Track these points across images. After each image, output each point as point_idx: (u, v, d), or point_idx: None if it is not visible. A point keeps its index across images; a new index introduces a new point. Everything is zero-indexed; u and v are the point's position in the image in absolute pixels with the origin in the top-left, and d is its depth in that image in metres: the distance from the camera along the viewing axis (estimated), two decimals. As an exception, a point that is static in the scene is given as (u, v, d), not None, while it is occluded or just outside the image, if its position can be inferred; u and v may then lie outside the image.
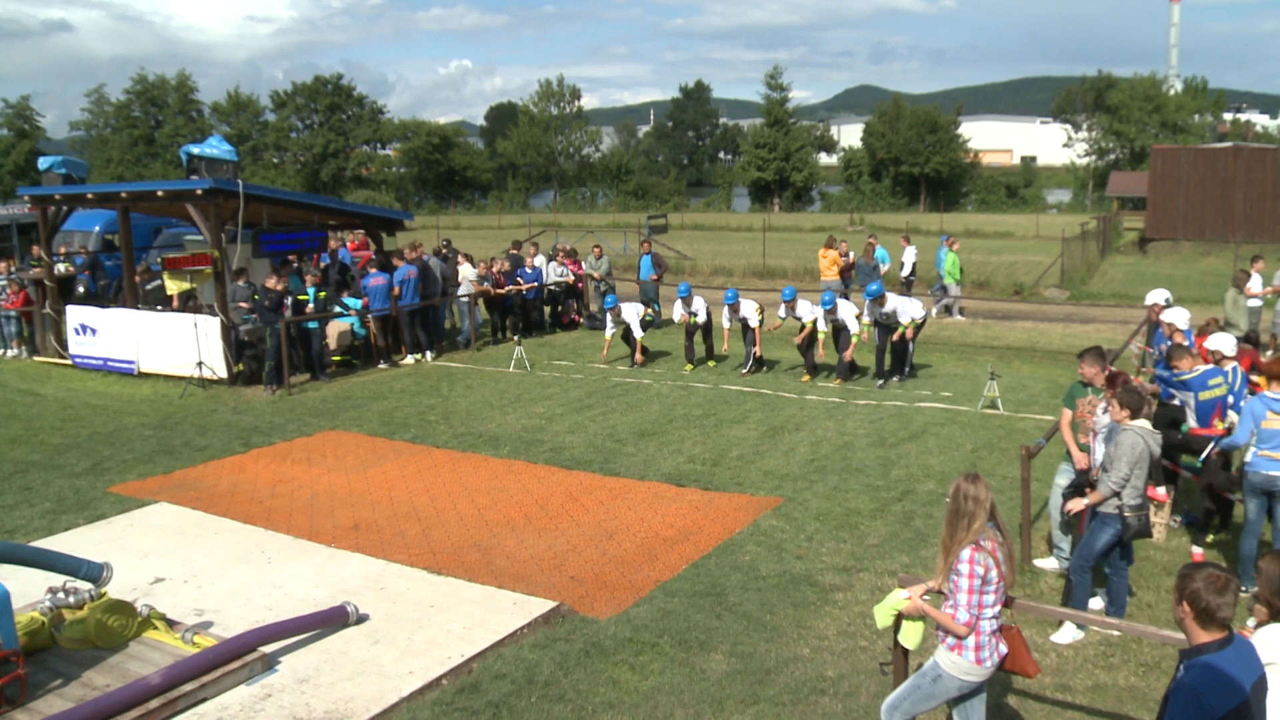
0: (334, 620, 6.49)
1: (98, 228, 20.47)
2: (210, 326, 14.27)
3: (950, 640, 4.42)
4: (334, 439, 11.43)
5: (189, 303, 15.98)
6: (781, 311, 14.21)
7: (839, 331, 13.96)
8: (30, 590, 6.60)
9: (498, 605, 6.83)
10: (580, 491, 9.31)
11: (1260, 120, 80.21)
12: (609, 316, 15.49)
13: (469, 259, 18.91)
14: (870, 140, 71.53)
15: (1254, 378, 8.05)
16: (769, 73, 74.51)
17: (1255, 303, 14.71)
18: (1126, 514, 6.16)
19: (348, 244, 19.65)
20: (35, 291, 16.96)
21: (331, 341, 15.57)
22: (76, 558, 6.29)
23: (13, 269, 17.69)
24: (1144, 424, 6.22)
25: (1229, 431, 7.67)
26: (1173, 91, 68.44)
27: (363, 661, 6.11)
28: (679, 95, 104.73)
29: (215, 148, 14.80)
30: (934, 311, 19.95)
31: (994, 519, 4.42)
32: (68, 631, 5.96)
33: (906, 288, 20.28)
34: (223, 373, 14.28)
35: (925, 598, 4.66)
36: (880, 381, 13.73)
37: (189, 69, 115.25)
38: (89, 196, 16.87)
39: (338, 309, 15.74)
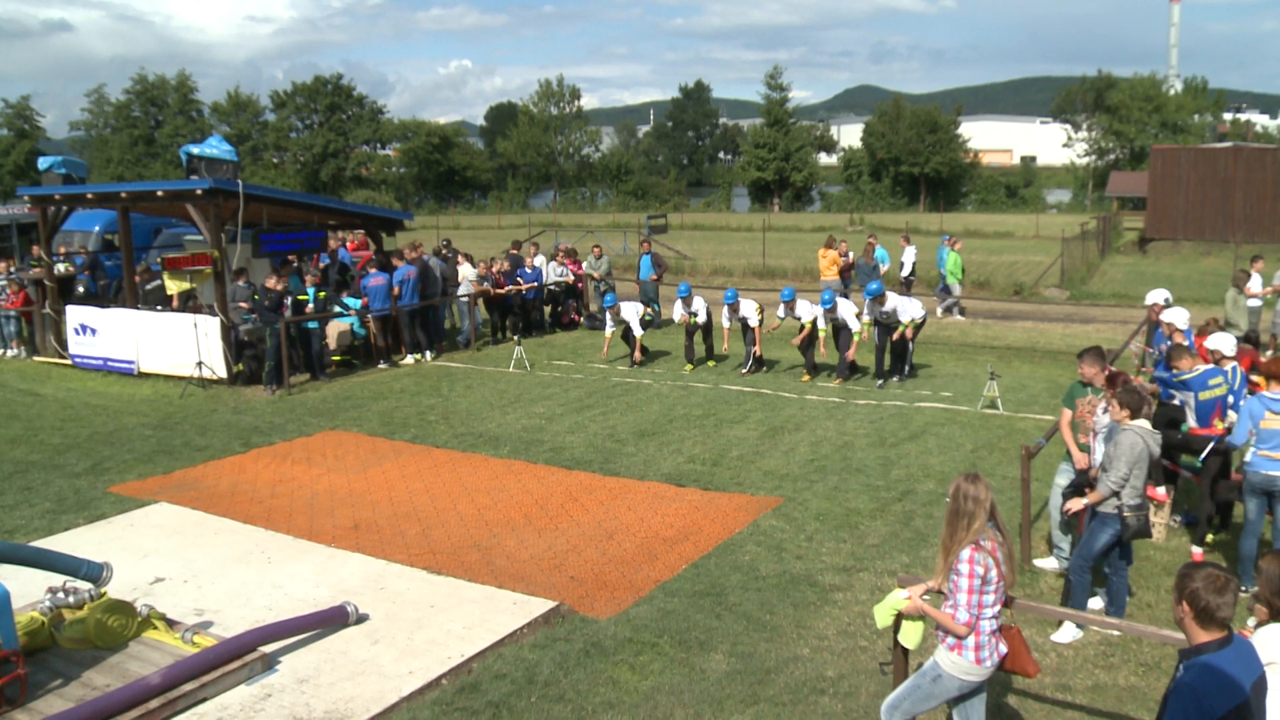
0: (334, 620, 6.49)
1: (98, 228, 20.47)
2: (210, 326, 14.27)
3: (950, 640, 4.43)
4: (334, 439, 11.43)
5: (189, 303, 15.98)
6: (780, 312, 14.21)
7: (839, 331, 13.96)
8: (30, 590, 6.60)
9: (498, 605, 6.83)
10: (580, 491, 9.31)
11: (1260, 120, 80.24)
12: (608, 315, 15.50)
13: (469, 259, 18.91)
14: (870, 140, 71.54)
15: (1254, 377, 8.05)
16: (769, 73, 74.64)
17: (1255, 303, 14.71)
18: (1126, 514, 6.16)
19: (347, 244, 19.65)
20: (35, 291, 16.97)
21: (331, 341, 15.57)
22: (76, 558, 6.29)
23: (13, 269, 17.69)
24: (1143, 424, 6.22)
25: (1229, 431, 7.68)
26: (1173, 91, 68.45)
27: (363, 661, 6.11)
28: (679, 95, 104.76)
29: (215, 148, 14.80)
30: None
31: (994, 519, 4.42)
32: (68, 631, 5.96)
33: (906, 288, 20.29)
34: (223, 373, 14.28)
35: (925, 598, 4.67)
36: (880, 381, 13.73)
37: (189, 69, 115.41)
38: (89, 196, 16.87)
39: (338, 309, 15.74)
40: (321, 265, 17.01)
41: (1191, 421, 8.00)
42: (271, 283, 14.26)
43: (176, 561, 7.76)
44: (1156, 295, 11.15)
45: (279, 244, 15.34)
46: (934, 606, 4.57)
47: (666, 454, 10.51)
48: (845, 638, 6.38)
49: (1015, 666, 4.58)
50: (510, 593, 7.02)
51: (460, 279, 18.00)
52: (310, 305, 14.63)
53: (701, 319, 15.04)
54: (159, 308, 15.89)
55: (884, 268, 20.18)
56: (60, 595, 6.06)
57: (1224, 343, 8.38)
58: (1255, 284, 14.66)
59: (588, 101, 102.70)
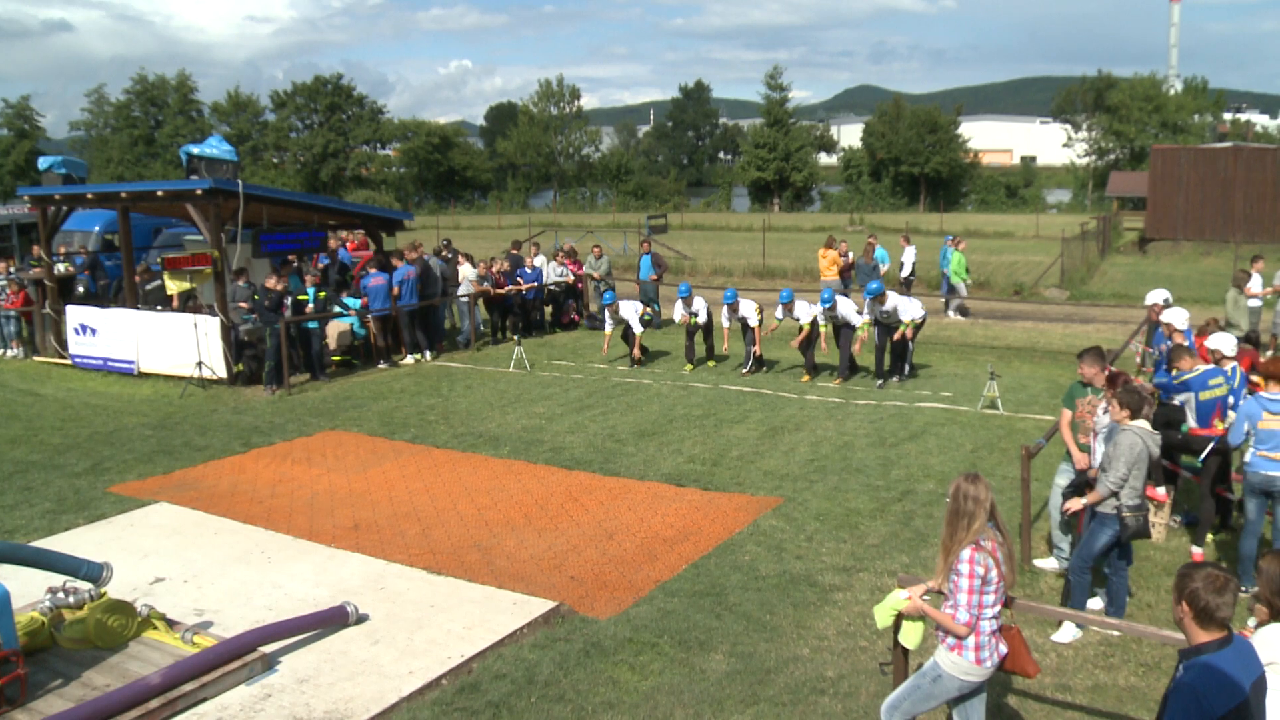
0: (334, 620, 6.49)
1: (98, 228, 20.47)
2: (210, 326, 14.27)
3: (950, 640, 4.42)
4: (334, 439, 11.43)
5: (189, 303, 15.98)
6: (779, 313, 14.21)
7: (840, 329, 13.96)
8: (30, 590, 6.61)
9: (498, 605, 6.83)
10: (580, 491, 9.31)
11: (1260, 120, 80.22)
12: (607, 313, 15.51)
13: (469, 259, 18.91)
14: (870, 140, 71.54)
15: (1253, 378, 8.05)
16: (769, 73, 74.60)
17: (1255, 303, 14.71)
18: (1125, 514, 6.16)
19: (347, 244, 19.65)
20: (35, 291, 16.97)
21: (331, 341, 15.57)
22: (76, 558, 6.29)
23: (13, 269, 17.69)
24: (1143, 424, 6.23)
25: (1229, 431, 7.68)
26: (1173, 91, 68.44)
27: (363, 661, 6.11)
28: (679, 95, 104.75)
29: (215, 148, 14.80)
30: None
31: (994, 519, 4.42)
32: (68, 631, 5.96)
33: (906, 288, 20.29)
34: (223, 373, 14.28)
35: (925, 598, 4.66)
36: (880, 381, 13.73)
37: (189, 69, 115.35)
38: (89, 196, 16.87)
39: (337, 309, 15.74)
40: (321, 265, 17.02)
41: (1191, 422, 8.00)
42: (271, 283, 14.26)
43: (176, 561, 7.76)
44: (1156, 295, 11.15)
45: (279, 244, 15.34)
46: (934, 607, 4.57)
47: (666, 454, 10.52)
48: (845, 638, 6.38)
49: (1015, 667, 4.58)
50: (510, 593, 7.02)
51: (460, 279, 18.00)
52: (310, 305, 14.63)
53: (702, 319, 15.05)
54: (159, 308, 15.90)
55: (884, 268, 20.18)
56: (60, 595, 6.06)
57: (1224, 343, 8.38)
58: (1255, 284, 14.65)
59: (588, 101, 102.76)
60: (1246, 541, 7.18)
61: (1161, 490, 7.88)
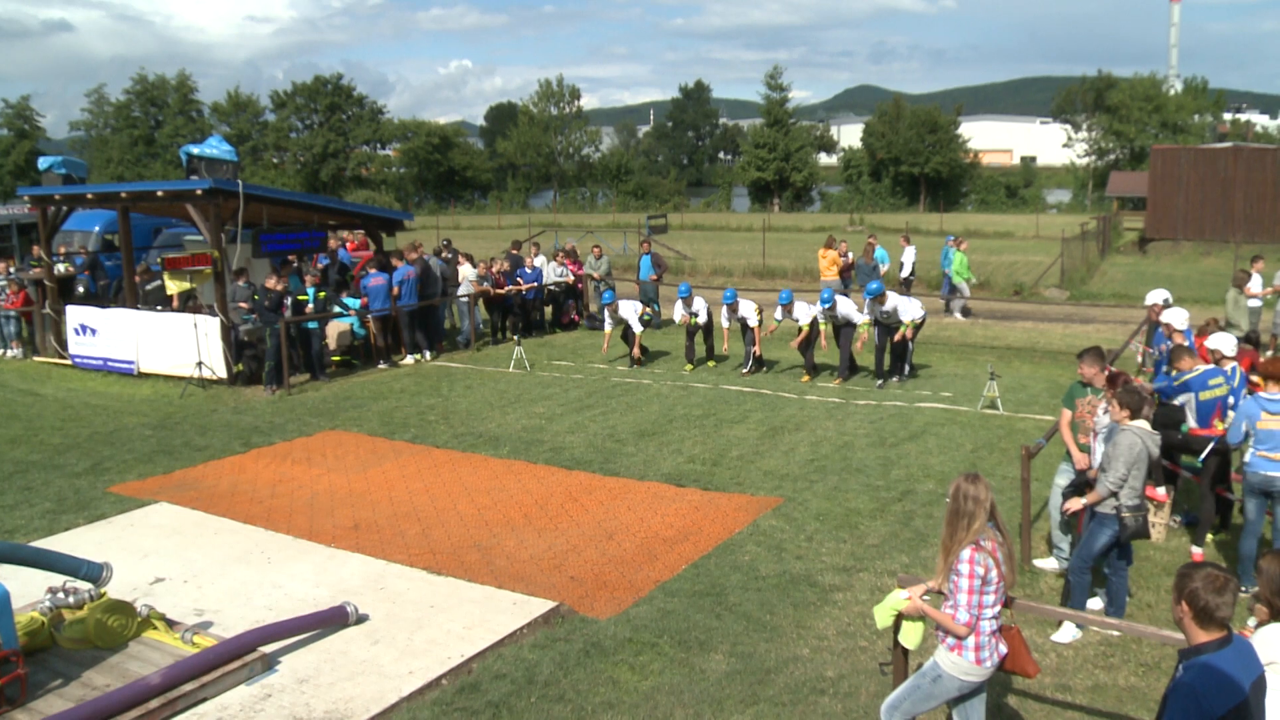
0: (334, 620, 6.49)
1: (98, 228, 20.47)
2: (210, 326, 14.27)
3: (950, 640, 4.43)
4: (334, 439, 11.43)
5: (189, 303, 15.98)
6: (778, 315, 14.22)
7: (840, 329, 13.96)
8: (30, 590, 6.61)
9: (498, 605, 6.83)
10: (580, 491, 9.31)
11: (1260, 120, 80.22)
12: (606, 313, 15.51)
13: (469, 259, 18.92)
14: (870, 140, 71.54)
15: (1253, 378, 8.05)
16: (769, 73, 74.62)
17: (1255, 303, 14.71)
18: (1124, 514, 6.16)
19: (347, 244, 19.66)
20: (35, 291, 16.97)
21: (331, 341, 15.57)
22: (76, 558, 6.29)
23: (13, 269, 17.69)
24: (1143, 424, 6.23)
25: (1228, 431, 7.68)
26: (1173, 91, 68.45)
27: (363, 661, 6.11)
28: (679, 95, 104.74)
29: (215, 148, 14.80)
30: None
31: (994, 519, 4.42)
32: (68, 631, 5.96)
33: (906, 288, 20.29)
34: (223, 373, 14.29)
35: (925, 598, 4.66)
36: (880, 381, 13.73)
37: (189, 69, 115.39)
38: (89, 196, 16.87)
39: (337, 309, 15.74)
40: (321, 265, 17.02)
41: (1191, 422, 8.01)
42: (271, 283, 14.26)
43: (176, 561, 7.76)
44: (1156, 295, 11.15)
45: (279, 244, 15.35)
46: (934, 607, 4.57)
47: (666, 454, 10.52)
48: (845, 638, 6.38)
49: (1015, 667, 4.58)
50: (510, 593, 7.02)
51: (460, 279, 18.00)
52: (310, 305, 14.63)
53: (702, 319, 15.04)
54: (159, 308, 15.90)
55: (884, 268, 20.19)
56: (60, 595, 6.06)
57: (1224, 343, 8.38)
58: (1255, 284, 14.66)
59: (588, 101, 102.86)
60: (1246, 541, 7.18)
61: (1161, 490, 7.88)
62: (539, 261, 19.10)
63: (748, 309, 14.42)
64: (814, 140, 78.01)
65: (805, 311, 13.95)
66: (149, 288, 16.88)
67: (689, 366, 15.19)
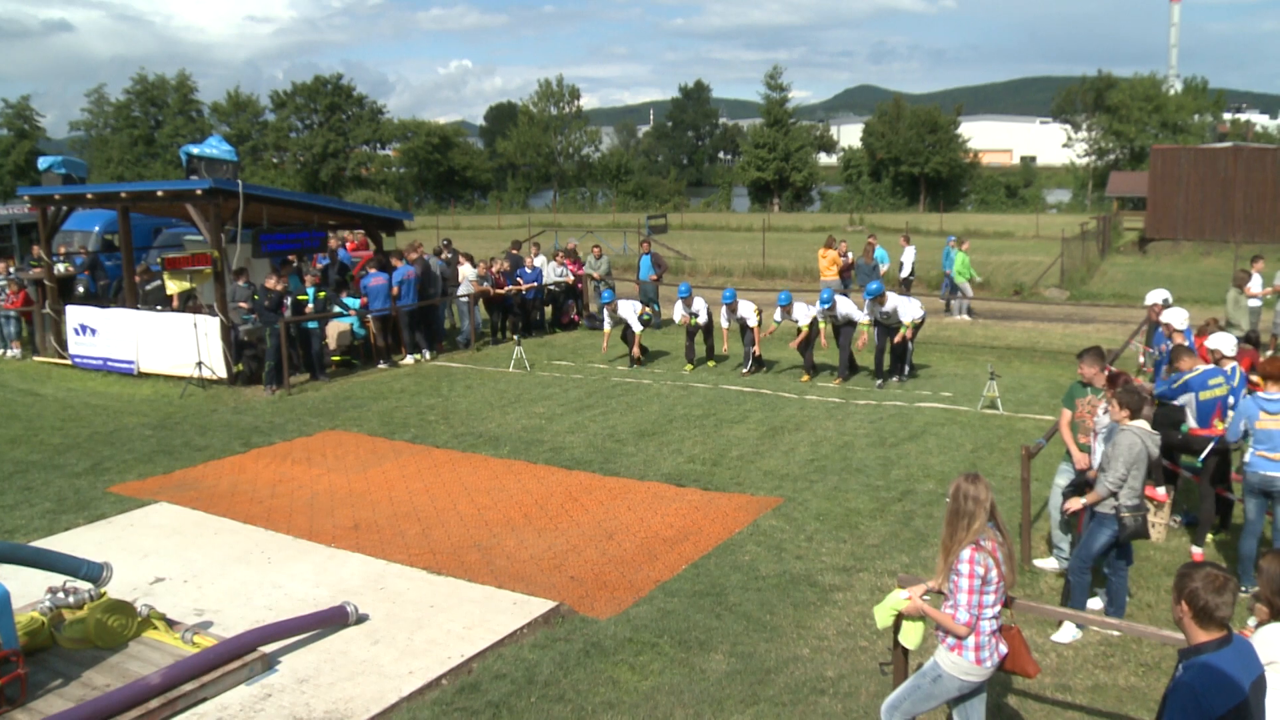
0: (334, 620, 6.49)
1: (98, 228, 20.47)
2: (210, 326, 14.27)
3: (950, 640, 4.43)
4: (334, 439, 11.43)
5: (189, 303, 15.98)
6: (777, 315, 14.22)
7: (840, 329, 13.96)
8: (30, 590, 6.61)
9: (498, 605, 6.83)
10: (580, 491, 9.31)
11: (1260, 120, 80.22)
12: (605, 312, 15.51)
13: (469, 259, 18.92)
14: (870, 140, 71.55)
15: (1253, 378, 8.06)
16: (769, 73, 74.63)
17: (1255, 303, 14.71)
18: (1123, 514, 6.16)
19: (347, 244, 19.66)
20: (35, 291, 16.97)
21: (331, 341, 15.57)
22: (76, 558, 6.29)
23: (12, 269, 17.69)
24: (1143, 424, 6.23)
25: (1226, 429, 7.69)
26: (1173, 91, 68.45)
27: (363, 661, 6.11)
28: (679, 95, 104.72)
29: (215, 148, 14.80)
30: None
31: (994, 519, 4.42)
32: (68, 631, 5.96)
33: (905, 288, 20.29)
34: (223, 373, 14.28)
35: (925, 598, 4.66)
36: (880, 381, 13.73)
37: (189, 69, 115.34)
38: (89, 196, 16.87)
39: (337, 309, 15.75)
40: (321, 265, 17.02)
41: (1191, 422, 8.01)
42: (271, 283, 14.26)
43: (176, 561, 7.76)
44: (1156, 295, 11.15)
45: (279, 244, 15.35)
46: (934, 607, 4.57)
47: (666, 454, 10.52)
48: (845, 638, 6.38)
49: (1015, 667, 4.58)
50: (510, 593, 7.02)
51: (460, 279, 18.00)
52: (310, 305, 14.64)
53: (702, 319, 15.04)
54: (159, 308, 15.89)
55: (884, 268, 20.18)
56: (60, 595, 6.06)
57: (1224, 342, 8.38)
58: (1256, 284, 14.66)
59: (588, 101, 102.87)
60: (1246, 541, 7.18)
61: (1161, 490, 7.89)
62: (539, 261, 19.10)
63: (747, 309, 14.42)
64: (814, 140, 78.01)
65: (805, 312, 13.95)
66: (149, 288, 16.87)
67: (689, 366, 15.19)
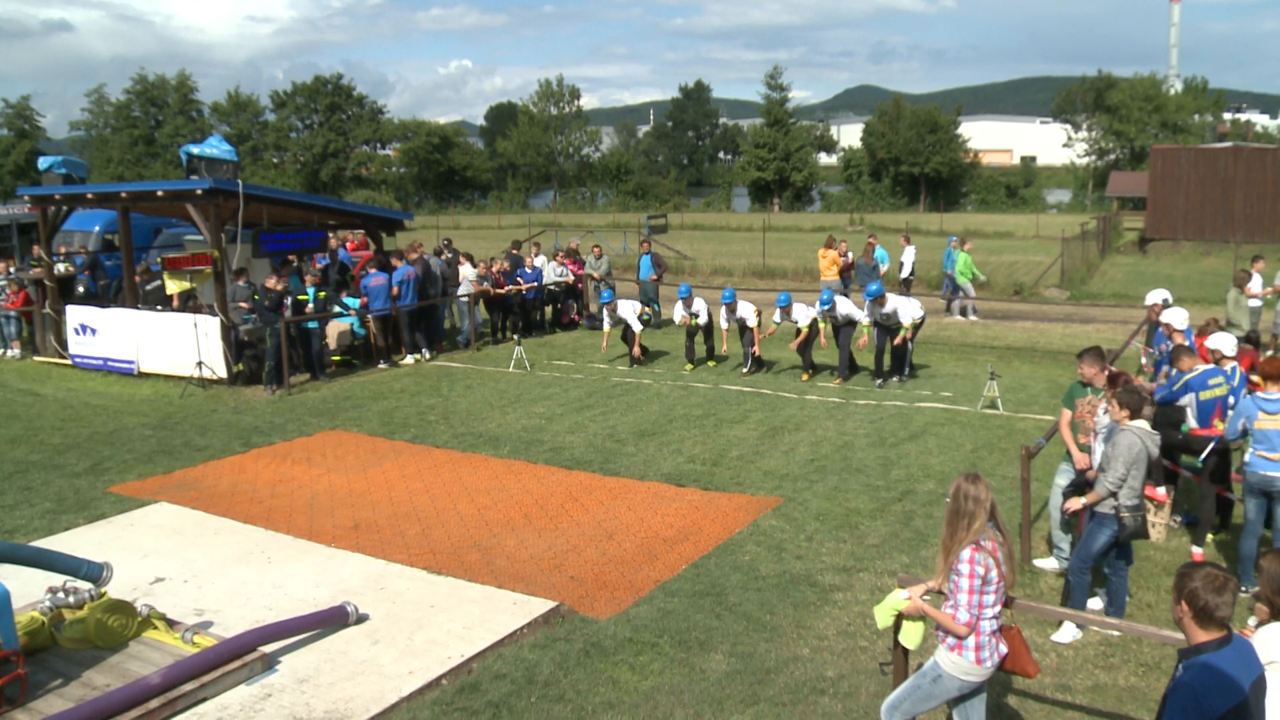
0: (334, 620, 6.49)
1: (98, 228, 20.47)
2: (210, 326, 14.27)
3: (950, 640, 4.42)
4: (334, 439, 11.43)
5: (189, 303, 15.98)
6: (776, 317, 14.22)
7: (840, 330, 13.95)
8: (30, 590, 6.60)
9: (498, 605, 6.83)
10: (580, 491, 9.31)
11: (1260, 120, 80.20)
12: (605, 312, 15.51)
13: (469, 259, 18.92)
14: (870, 140, 71.56)
15: (1253, 377, 8.06)
16: (769, 73, 74.63)
17: (1255, 303, 14.71)
18: (1123, 514, 6.16)
19: (347, 244, 19.65)
20: (35, 291, 16.97)
21: (331, 341, 15.57)
22: (76, 558, 6.29)
23: (13, 269, 17.69)
24: (1142, 424, 6.23)
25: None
26: (1173, 91, 68.45)
27: (363, 661, 6.11)
28: (679, 95, 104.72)
29: (215, 148, 14.80)
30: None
31: (994, 519, 4.42)
32: (68, 631, 5.96)
33: (905, 288, 20.29)
34: (223, 373, 14.28)
35: (925, 598, 4.66)
36: (879, 381, 13.73)
37: (189, 69, 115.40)
38: (89, 196, 16.87)
39: (337, 309, 15.75)
40: (321, 265, 17.02)
41: (1192, 422, 8.01)
42: (271, 283, 14.26)
43: (176, 561, 7.76)
44: (1156, 295, 11.15)
45: (279, 244, 15.35)
46: (934, 607, 4.57)
47: (666, 454, 10.52)
48: (845, 638, 6.38)
49: (1015, 667, 4.58)
50: (510, 593, 7.02)
51: (460, 279, 18.00)
52: (310, 305, 14.63)
53: (703, 320, 15.04)
54: (159, 308, 15.89)
55: (884, 268, 20.18)
56: (60, 595, 6.06)
57: (1224, 342, 8.38)
58: (1256, 284, 14.65)
59: (588, 101, 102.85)
60: (1246, 541, 7.18)
61: (1161, 490, 7.89)
62: (539, 261, 19.10)
63: (746, 310, 14.42)
64: (814, 140, 78.02)
65: (804, 313, 13.95)
66: (149, 288, 16.87)
67: (689, 366, 15.19)
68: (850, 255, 20.23)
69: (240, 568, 7.62)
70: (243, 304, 14.34)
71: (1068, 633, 6.36)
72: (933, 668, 4.50)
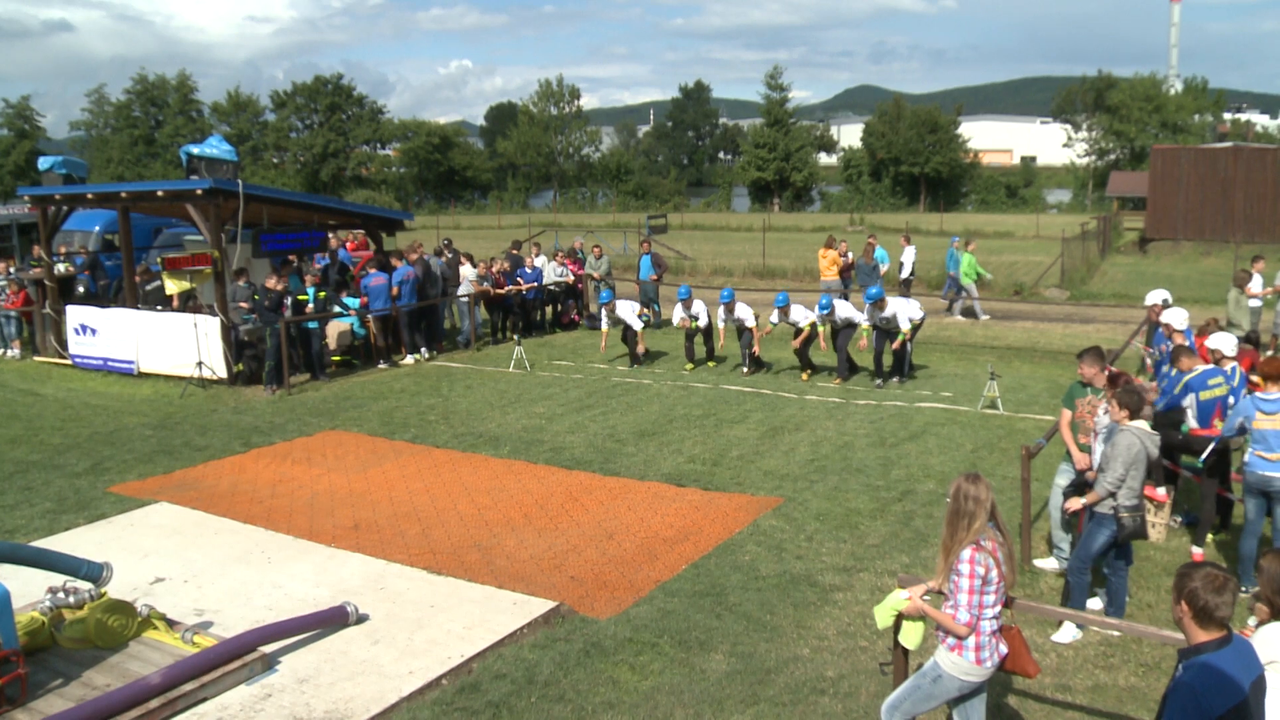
0: (334, 620, 6.49)
1: (98, 228, 20.47)
2: (210, 326, 14.27)
3: (950, 640, 4.42)
4: (334, 439, 11.43)
5: (189, 303, 15.98)
6: (774, 317, 14.21)
7: (839, 330, 13.95)
8: (30, 590, 6.60)
9: (498, 605, 6.83)
10: (580, 491, 9.31)
11: (1260, 120, 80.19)
12: (604, 312, 15.51)
13: (469, 259, 18.92)
14: (870, 140, 71.57)
15: (1253, 378, 8.06)
16: (769, 73, 74.68)
17: (1256, 303, 14.71)
18: (1122, 515, 6.16)
19: (347, 244, 19.64)
20: (35, 291, 16.97)
21: (331, 341, 15.57)
22: (76, 558, 6.29)
23: (13, 269, 17.69)
24: (1142, 424, 6.23)
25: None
26: (1173, 91, 68.47)
27: (363, 661, 6.11)
28: (679, 95, 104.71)
29: (215, 148, 14.80)
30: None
31: (994, 519, 4.42)
32: (68, 631, 5.96)
33: (905, 288, 20.29)
34: (223, 373, 14.29)
35: (925, 598, 4.66)
36: (879, 381, 13.73)
37: (189, 69, 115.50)
38: (89, 196, 16.87)
39: (337, 309, 15.75)
40: (321, 265, 17.02)
41: (1192, 422, 8.01)
42: (271, 283, 14.26)
43: (176, 561, 7.76)
44: (1156, 296, 11.16)
45: (279, 244, 15.35)
46: (934, 607, 4.57)
47: (666, 454, 10.52)
48: (845, 638, 6.38)
49: (1015, 667, 4.58)
50: (510, 593, 7.02)
51: (460, 279, 18.00)
52: (310, 305, 14.64)
53: (702, 322, 15.03)
54: (159, 308, 15.89)
55: (884, 268, 20.17)
56: (60, 595, 6.06)
57: (1224, 342, 8.38)
58: (1256, 284, 14.65)
59: (588, 101, 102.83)
60: (1246, 541, 7.18)
61: (1161, 490, 7.89)
62: (539, 261, 19.10)
63: (744, 312, 14.42)
64: (814, 140, 78.03)
65: (803, 315, 13.95)
66: (149, 288, 16.87)
67: (689, 366, 15.19)
68: (850, 255, 20.21)
69: (240, 568, 7.62)
70: (243, 304, 14.34)
71: (1068, 633, 6.36)
72: (933, 668, 4.50)
